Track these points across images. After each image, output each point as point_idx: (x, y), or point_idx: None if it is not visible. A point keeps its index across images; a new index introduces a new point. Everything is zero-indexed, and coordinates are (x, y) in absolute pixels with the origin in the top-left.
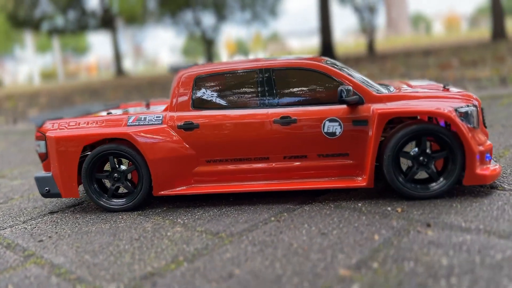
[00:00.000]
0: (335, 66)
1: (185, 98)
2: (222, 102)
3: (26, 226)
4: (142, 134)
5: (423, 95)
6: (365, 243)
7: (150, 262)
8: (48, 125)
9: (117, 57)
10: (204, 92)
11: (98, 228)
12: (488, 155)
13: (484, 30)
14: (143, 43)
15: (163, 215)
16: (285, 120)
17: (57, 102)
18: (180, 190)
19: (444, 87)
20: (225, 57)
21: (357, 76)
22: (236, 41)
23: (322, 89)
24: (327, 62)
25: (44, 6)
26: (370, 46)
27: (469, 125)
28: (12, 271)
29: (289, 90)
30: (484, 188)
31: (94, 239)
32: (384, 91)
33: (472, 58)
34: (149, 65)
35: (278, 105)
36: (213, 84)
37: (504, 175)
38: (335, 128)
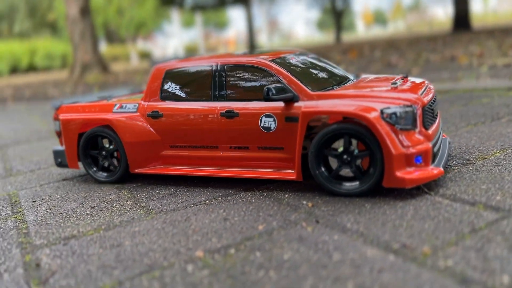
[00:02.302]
0: (286, 64)
1: (156, 89)
2: (183, 95)
3: (38, 188)
4: (120, 120)
5: (355, 94)
6: (246, 231)
7: (81, 227)
8: (63, 108)
9: (250, 31)
10: (170, 85)
11: (77, 195)
12: (419, 158)
13: None
14: (279, 17)
15: (131, 190)
16: (230, 114)
17: None
18: (150, 169)
19: (403, 77)
20: (361, 28)
21: (321, 72)
22: (374, 11)
23: (264, 85)
24: (282, 59)
25: None
26: None
27: (395, 126)
28: None
29: (236, 86)
30: (418, 192)
31: (66, 204)
32: (318, 89)
33: None
34: (284, 39)
35: (226, 100)
36: (178, 78)
37: (451, 181)
38: (270, 123)
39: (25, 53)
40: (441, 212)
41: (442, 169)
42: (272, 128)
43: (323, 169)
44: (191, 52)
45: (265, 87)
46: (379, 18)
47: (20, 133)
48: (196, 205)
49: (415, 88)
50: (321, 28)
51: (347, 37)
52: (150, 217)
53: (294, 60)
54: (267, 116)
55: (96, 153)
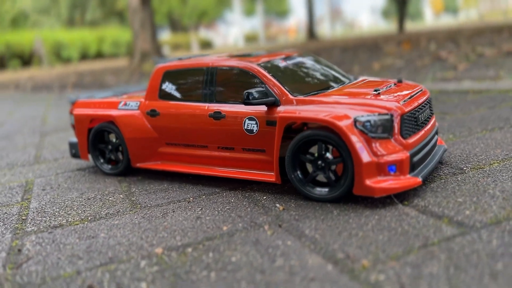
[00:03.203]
0: (272, 68)
1: (155, 88)
2: (178, 95)
3: (53, 177)
4: (122, 117)
5: (334, 101)
6: (211, 231)
7: (71, 217)
8: (77, 103)
9: (310, 20)
10: (167, 85)
11: (82, 186)
12: (393, 167)
13: None
14: (342, 5)
15: (130, 183)
16: (217, 115)
17: None
18: (148, 164)
19: (397, 82)
20: (429, 17)
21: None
22: None
23: (250, 88)
24: (270, 63)
25: None
26: None
27: (369, 135)
28: (5, 207)
29: (224, 88)
30: (392, 201)
31: (68, 194)
32: (301, 94)
33: None
34: (347, 28)
35: (215, 101)
36: (175, 78)
37: (432, 191)
38: (253, 126)
39: (93, 41)
40: (403, 224)
41: (419, 179)
42: (254, 131)
43: (297, 173)
44: (250, 41)
45: (245, 91)
46: (450, 6)
47: (62, 121)
48: (180, 202)
49: (398, 95)
50: (386, 17)
51: (412, 26)
52: (134, 211)
53: (283, 63)
54: (250, 119)
55: (103, 146)
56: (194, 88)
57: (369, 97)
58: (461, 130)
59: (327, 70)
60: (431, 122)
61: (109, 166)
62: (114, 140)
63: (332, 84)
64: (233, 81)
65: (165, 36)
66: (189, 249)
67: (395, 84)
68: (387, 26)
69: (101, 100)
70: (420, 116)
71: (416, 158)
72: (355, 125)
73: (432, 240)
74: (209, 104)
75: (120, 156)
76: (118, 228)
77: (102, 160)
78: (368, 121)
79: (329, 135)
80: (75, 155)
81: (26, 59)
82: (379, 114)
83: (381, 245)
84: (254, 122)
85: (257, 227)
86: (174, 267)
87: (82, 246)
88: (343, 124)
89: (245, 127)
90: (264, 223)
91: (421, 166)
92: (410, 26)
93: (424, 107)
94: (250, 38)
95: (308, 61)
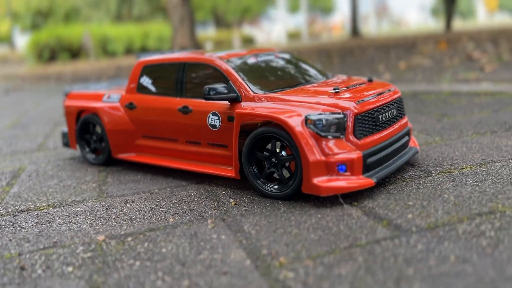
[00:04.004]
0: (239, 64)
1: (134, 82)
2: (153, 89)
3: (43, 164)
4: (104, 109)
5: (291, 99)
6: (157, 222)
7: (40, 203)
8: (70, 95)
9: (354, 17)
10: (145, 79)
11: (64, 174)
12: (342, 166)
13: None
14: (389, 2)
15: (108, 173)
16: (185, 110)
17: None
18: (127, 156)
19: (368, 81)
20: (482, 15)
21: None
22: None
23: (216, 83)
24: (238, 59)
25: None
26: None
27: (319, 133)
28: None
29: (193, 83)
30: (345, 201)
31: (49, 180)
32: (263, 91)
33: None
34: (393, 26)
35: (184, 96)
36: (152, 72)
37: (387, 193)
38: (216, 121)
39: (138, 36)
40: (341, 224)
41: (373, 180)
42: (217, 126)
43: (252, 168)
44: (293, 38)
45: (206, 86)
46: (505, 4)
47: None
48: (144, 193)
49: (358, 95)
50: (435, 15)
51: (462, 25)
52: (98, 200)
53: (253, 60)
54: (214, 114)
55: (89, 137)
56: (167, 82)
57: (326, 96)
58: (451, 132)
59: (301, 69)
60: (399, 123)
61: (93, 156)
62: (99, 131)
63: (302, 82)
64: (202, 76)
65: (210, 32)
66: (129, 239)
67: (363, 83)
68: (436, 25)
69: (90, 93)
70: (380, 116)
71: (372, 159)
72: (306, 123)
73: (360, 241)
74: (179, 99)
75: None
76: (75, 215)
77: (87, 150)
78: (320, 119)
79: (280, 132)
80: (66, 144)
81: (75, 52)
82: (332, 113)
83: (308, 244)
84: (217, 118)
85: (202, 221)
86: (107, 254)
87: (35, 230)
88: (292, 121)
89: (209, 122)
90: (211, 217)
91: (379, 168)
92: (460, 24)
93: (388, 107)
94: (293, 35)
95: (284, 59)
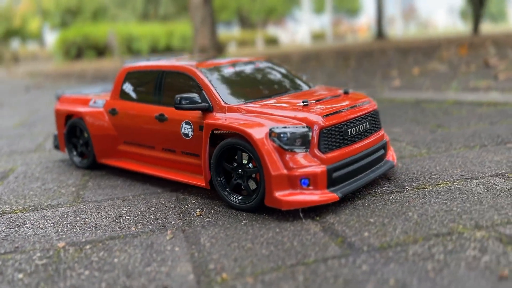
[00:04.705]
0: (215, 73)
1: (118, 88)
2: (134, 95)
3: (34, 166)
4: (89, 114)
5: (259, 111)
6: (120, 231)
7: (17, 205)
8: (61, 98)
9: (379, 19)
10: (127, 85)
11: (49, 176)
12: (306, 181)
13: None
14: (417, 4)
15: (91, 177)
16: (161, 117)
17: (301, 62)
18: (109, 161)
19: (343, 93)
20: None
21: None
22: None
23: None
24: (215, 68)
25: None
26: None
27: (283, 147)
28: None
29: (170, 91)
30: (307, 215)
31: (32, 183)
32: (235, 102)
33: None
34: (421, 28)
35: (162, 103)
36: (134, 79)
37: (353, 209)
38: (188, 130)
39: (163, 35)
40: (295, 240)
41: (337, 195)
42: (189, 135)
43: (220, 178)
44: (317, 40)
45: (177, 95)
46: None
47: None
48: (118, 199)
49: (328, 107)
50: (464, 17)
51: (491, 28)
52: (72, 205)
53: (231, 69)
54: (187, 123)
55: (76, 141)
56: (147, 89)
57: (295, 108)
58: (440, 145)
59: (280, 79)
60: (373, 137)
61: (79, 159)
62: (86, 135)
63: (278, 92)
64: (178, 84)
65: (235, 32)
66: (88, 246)
67: (337, 95)
68: (464, 28)
69: (78, 97)
70: (349, 130)
71: (338, 173)
72: (270, 136)
73: (308, 259)
74: (157, 106)
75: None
76: (45, 220)
77: (74, 153)
78: (284, 132)
79: (245, 144)
80: (56, 146)
81: (101, 50)
82: (297, 126)
83: (257, 260)
84: (189, 127)
85: (163, 231)
86: (62, 262)
87: (2, 234)
88: (256, 134)
89: (182, 131)
90: (172, 227)
91: (346, 182)
92: (489, 28)
93: (360, 121)
94: (318, 36)
95: (264, 69)
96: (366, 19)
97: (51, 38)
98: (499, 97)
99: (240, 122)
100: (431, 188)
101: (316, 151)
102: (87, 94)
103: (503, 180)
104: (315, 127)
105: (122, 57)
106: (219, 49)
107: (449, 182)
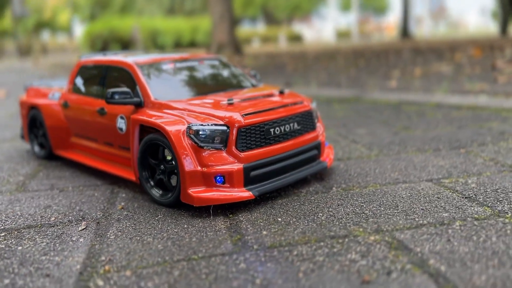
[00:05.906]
0: (152, 69)
1: (71, 82)
2: (83, 89)
3: (2, 155)
4: (45, 106)
5: (183, 108)
6: (40, 220)
7: None
8: (28, 90)
9: (405, 18)
10: (79, 79)
11: (6, 165)
12: (220, 178)
13: None
14: (447, 3)
15: (47, 168)
16: (102, 111)
17: (311, 60)
18: (62, 152)
19: (279, 92)
20: None
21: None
22: None
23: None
24: (154, 64)
25: None
26: None
27: (199, 144)
28: None
29: (111, 86)
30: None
31: None
32: (165, 98)
33: None
34: (451, 28)
35: (104, 98)
36: (86, 73)
37: (270, 208)
38: (122, 124)
39: (187, 30)
40: (195, 236)
41: (252, 194)
42: (123, 130)
43: (144, 173)
44: (343, 37)
45: (109, 90)
46: None
47: None
48: (57, 190)
49: (252, 107)
50: (495, 18)
51: None
52: (12, 193)
53: (170, 66)
54: (121, 117)
55: (36, 132)
56: (93, 83)
57: (218, 106)
58: (394, 148)
59: (222, 76)
60: (303, 138)
61: (39, 150)
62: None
63: (214, 90)
64: (117, 79)
65: (259, 28)
66: (3, 234)
67: (270, 95)
68: (496, 29)
69: (41, 89)
70: (272, 130)
71: (256, 172)
72: (187, 133)
73: (196, 255)
74: (99, 100)
75: None
76: None
77: (35, 144)
78: (203, 130)
79: (164, 140)
80: (22, 136)
81: (125, 44)
82: (215, 124)
83: (148, 254)
84: (123, 121)
85: (78, 222)
86: None
87: None
88: (172, 130)
89: (118, 125)
90: (90, 219)
91: (266, 181)
92: None
93: (286, 121)
94: (343, 35)
95: (208, 66)
96: (393, 18)
97: (80, 30)
98: (484, 101)
99: (162, 119)
100: (357, 190)
101: (234, 149)
102: (52, 86)
103: (434, 185)
104: (234, 126)
105: (147, 50)
106: (236, 45)
107: (379, 185)
